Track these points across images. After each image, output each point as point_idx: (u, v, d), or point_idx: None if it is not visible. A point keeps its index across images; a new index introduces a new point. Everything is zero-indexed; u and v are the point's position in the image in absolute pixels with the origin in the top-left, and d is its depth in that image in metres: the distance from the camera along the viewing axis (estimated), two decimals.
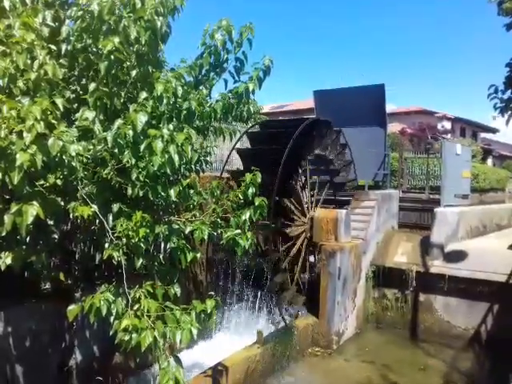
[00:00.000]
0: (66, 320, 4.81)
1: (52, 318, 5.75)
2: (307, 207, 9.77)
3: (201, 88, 5.54)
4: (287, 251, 9.45)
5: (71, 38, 4.73)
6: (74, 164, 3.77)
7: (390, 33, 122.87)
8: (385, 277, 10.08)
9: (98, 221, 4.24)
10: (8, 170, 3.41)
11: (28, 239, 4.12)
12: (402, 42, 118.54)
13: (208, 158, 5.90)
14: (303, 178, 10.11)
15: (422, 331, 9.68)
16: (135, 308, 4.00)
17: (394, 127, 24.20)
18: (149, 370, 7.07)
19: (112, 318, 3.94)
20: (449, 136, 26.48)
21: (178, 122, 4.84)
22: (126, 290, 4.07)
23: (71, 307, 4.18)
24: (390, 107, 17.39)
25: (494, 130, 36.39)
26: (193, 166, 5.27)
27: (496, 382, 7.64)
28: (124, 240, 4.09)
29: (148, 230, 4.11)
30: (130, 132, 4.00)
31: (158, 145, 4.01)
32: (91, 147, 4.17)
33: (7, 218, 3.59)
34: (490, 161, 28.94)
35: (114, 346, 3.89)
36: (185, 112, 4.89)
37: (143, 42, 4.55)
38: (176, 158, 4.08)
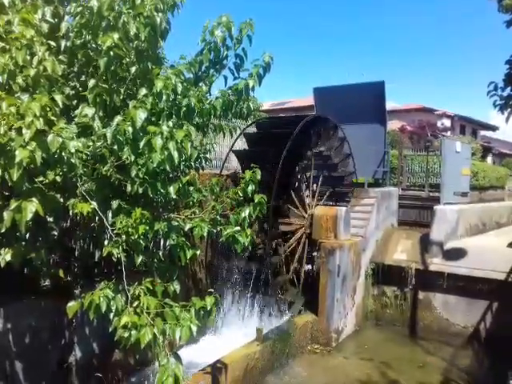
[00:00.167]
0: (65, 317, 4.81)
1: (51, 314, 5.75)
2: (308, 204, 9.78)
3: (200, 85, 5.53)
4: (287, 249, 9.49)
5: (70, 34, 4.73)
6: (73, 161, 3.77)
7: (389, 31, 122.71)
8: (384, 274, 10.09)
9: (97, 218, 4.24)
10: (7, 166, 3.41)
11: (27, 236, 4.12)
12: (401, 41, 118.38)
13: (207, 155, 5.89)
14: (303, 177, 10.14)
15: (421, 329, 9.69)
16: (135, 305, 3.99)
17: (393, 124, 24.18)
18: (148, 367, 7.08)
19: (111, 315, 3.94)
20: (448, 134, 26.47)
21: (178, 118, 4.83)
22: (126, 286, 4.07)
23: (71, 304, 4.18)
24: (390, 104, 17.33)
25: (493, 128, 36.36)
26: (192, 163, 5.27)
27: (495, 380, 7.65)
28: (123, 237, 4.09)
29: (147, 227, 4.10)
30: (130, 129, 3.99)
31: (158, 141, 4.00)
32: (91, 144, 4.16)
33: (7, 215, 3.59)
34: (489, 158, 28.95)
35: (114, 342, 3.88)
36: (184, 109, 4.87)
37: (143, 39, 4.55)
38: (175, 154, 4.07)
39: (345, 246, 8.87)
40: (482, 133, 36.15)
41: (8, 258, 4.04)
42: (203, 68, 5.62)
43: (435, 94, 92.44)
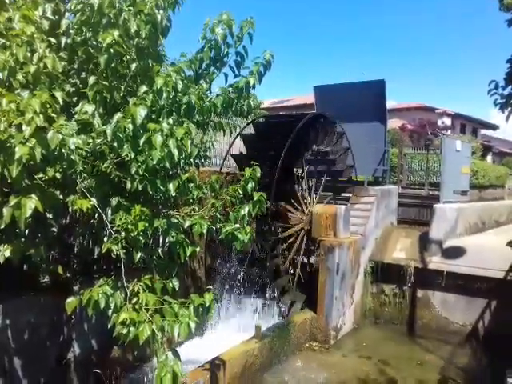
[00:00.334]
0: (64, 313, 4.82)
1: (50, 310, 5.76)
2: (307, 202, 9.80)
3: (201, 82, 5.53)
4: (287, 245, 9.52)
5: (71, 31, 4.72)
6: (73, 157, 3.77)
7: (389, 30, 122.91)
8: (383, 272, 10.10)
9: (96, 214, 4.24)
10: (7, 163, 3.41)
11: (27, 232, 4.12)
12: (401, 40, 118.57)
13: (207, 153, 5.90)
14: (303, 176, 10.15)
15: (419, 327, 9.71)
16: (133, 301, 4.00)
17: (394, 123, 24.18)
18: (147, 364, 7.10)
19: (110, 312, 3.95)
20: (449, 132, 26.47)
21: (178, 116, 4.84)
22: (125, 283, 4.07)
23: (69, 300, 4.18)
24: (390, 103, 17.35)
25: (494, 127, 36.38)
26: (192, 161, 5.27)
27: (493, 378, 7.67)
28: (123, 234, 4.09)
29: (147, 224, 4.11)
30: (130, 126, 3.99)
31: (158, 139, 4.01)
32: (90, 141, 4.17)
33: (6, 211, 3.59)
34: (489, 157, 28.98)
35: (113, 339, 3.89)
36: (185, 106, 4.87)
37: (143, 36, 4.54)
38: (175, 152, 4.08)
39: (344, 244, 8.89)
40: (483, 132, 36.19)
41: (7, 254, 4.04)
42: (204, 65, 5.62)
43: (436, 93, 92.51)
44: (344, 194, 11.32)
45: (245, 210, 4.93)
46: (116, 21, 4.42)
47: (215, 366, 6.12)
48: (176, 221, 4.64)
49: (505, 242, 9.43)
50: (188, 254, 4.61)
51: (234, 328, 8.45)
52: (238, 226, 4.84)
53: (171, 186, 4.41)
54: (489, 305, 9.03)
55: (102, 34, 4.26)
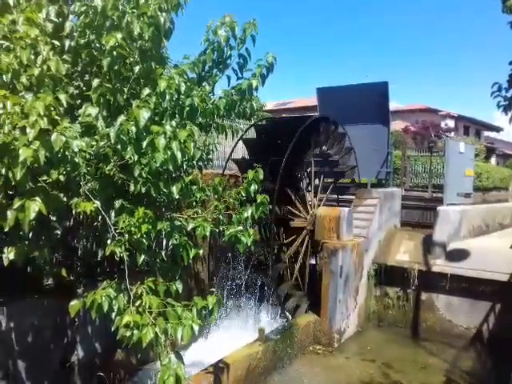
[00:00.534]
0: (68, 316, 4.82)
1: (54, 313, 5.77)
2: (310, 205, 9.80)
3: (204, 84, 5.53)
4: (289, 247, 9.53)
5: (75, 33, 4.74)
6: (76, 160, 3.77)
7: (390, 30, 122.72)
8: (387, 275, 10.07)
9: (100, 217, 4.24)
10: (11, 165, 3.41)
11: (31, 235, 4.12)
12: (402, 40, 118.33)
13: (210, 155, 5.90)
14: (306, 179, 10.16)
15: (423, 330, 9.67)
16: (137, 304, 4.00)
17: (397, 125, 24.15)
18: (151, 367, 7.09)
19: (114, 314, 3.94)
20: (452, 134, 26.43)
21: (181, 118, 4.84)
22: (128, 286, 4.07)
23: (73, 303, 4.18)
24: (393, 105, 17.31)
25: (497, 129, 36.30)
26: (195, 163, 5.27)
27: (497, 381, 7.63)
28: (126, 236, 4.09)
29: (150, 227, 4.11)
30: (133, 128, 3.99)
31: (161, 141, 4.00)
32: (94, 143, 4.17)
33: (10, 214, 3.60)
34: (493, 159, 28.86)
35: (116, 342, 3.89)
36: (187, 109, 4.87)
37: (146, 38, 4.55)
38: (179, 154, 4.07)
39: (347, 247, 8.86)
40: (486, 134, 36.11)
41: (11, 256, 4.04)
42: (206, 68, 5.63)
43: (438, 95, 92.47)
44: (347, 197, 11.31)
45: (248, 213, 4.92)
46: (119, 23, 4.44)
47: (219, 369, 6.10)
48: (179, 223, 4.64)
49: (509, 245, 9.42)
50: (191, 257, 4.61)
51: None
52: (241, 228, 4.83)
53: (174, 189, 4.41)
54: (493, 308, 8.99)
55: (106, 37, 4.27)
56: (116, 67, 4.43)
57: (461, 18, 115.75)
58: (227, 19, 5.37)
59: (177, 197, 4.54)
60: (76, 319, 5.94)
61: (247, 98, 5.65)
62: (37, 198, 3.62)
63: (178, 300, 4.21)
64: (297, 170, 9.74)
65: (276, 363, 7.39)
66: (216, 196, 5.27)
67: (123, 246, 4.08)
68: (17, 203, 3.57)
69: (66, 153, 3.65)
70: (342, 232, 9.02)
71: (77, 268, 6.26)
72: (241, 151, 10.86)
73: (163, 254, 4.90)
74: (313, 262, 10.22)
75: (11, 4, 4.40)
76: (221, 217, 4.98)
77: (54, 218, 4.56)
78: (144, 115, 4.01)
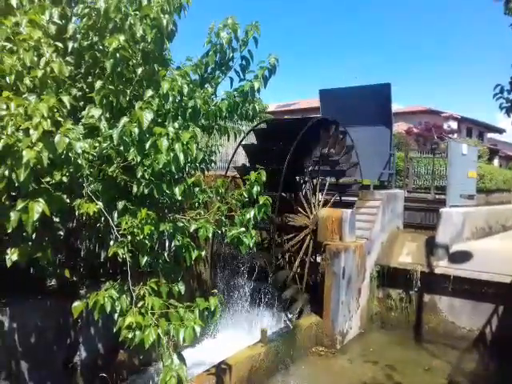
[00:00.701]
0: (71, 317, 4.83)
1: (57, 314, 5.78)
2: (313, 206, 9.80)
3: (206, 86, 5.56)
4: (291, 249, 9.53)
5: (78, 35, 4.76)
6: (79, 161, 3.79)
7: (390, 31, 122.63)
8: (389, 277, 10.05)
9: (103, 218, 4.26)
10: (14, 166, 3.43)
11: (34, 236, 4.13)
12: (402, 41, 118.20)
13: (213, 157, 5.91)
14: (308, 180, 10.15)
15: (426, 332, 9.63)
16: (139, 305, 4.01)
17: (399, 127, 24.16)
18: (153, 367, 7.10)
19: (116, 315, 3.96)
20: (455, 136, 26.39)
21: (184, 120, 4.85)
22: (131, 287, 4.08)
23: (76, 304, 4.20)
24: (395, 106, 17.32)
25: (500, 131, 36.25)
26: (198, 165, 5.28)
27: (501, 383, 7.61)
28: (129, 237, 4.10)
29: (153, 228, 4.12)
30: (136, 130, 4.01)
31: (164, 143, 4.02)
32: (97, 145, 4.19)
33: (13, 215, 3.61)
34: (496, 161, 28.79)
35: (119, 342, 3.90)
36: (190, 110, 4.89)
37: (149, 40, 4.57)
38: (181, 156, 4.09)
39: (350, 249, 8.85)
40: (489, 135, 36.06)
41: (15, 257, 4.06)
42: (209, 69, 5.65)
43: (441, 96, 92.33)
44: (350, 198, 11.31)
45: (250, 214, 4.93)
46: (122, 25, 4.45)
47: (221, 370, 6.10)
48: (182, 225, 4.65)
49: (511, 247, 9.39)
50: (193, 258, 4.62)
51: None
52: (243, 229, 4.84)
53: (177, 190, 4.42)
54: (496, 310, 8.95)
55: (108, 39, 4.28)
56: (119, 69, 4.44)
57: (461, 17, 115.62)
58: (229, 21, 5.38)
59: (179, 198, 4.56)
60: (79, 320, 5.95)
61: (249, 100, 5.67)
62: (40, 200, 3.63)
63: (180, 301, 4.22)
64: (298, 173, 9.75)
65: (278, 364, 7.38)
66: (218, 197, 5.28)
67: (126, 247, 4.09)
68: (20, 204, 3.58)
69: (69, 154, 3.67)
70: (344, 233, 9.01)
71: (80, 269, 6.27)
72: (243, 153, 10.85)
73: (166, 255, 4.92)
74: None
75: (14, 6, 4.42)
76: (223, 218, 4.99)
77: (57, 219, 4.58)
78: (147, 117, 4.03)
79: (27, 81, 4.00)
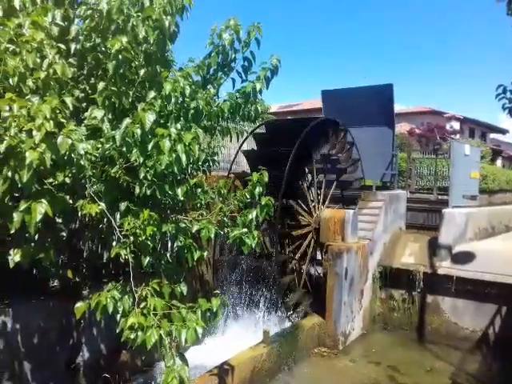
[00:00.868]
0: (73, 317, 4.85)
1: (60, 315, 5.79)
2: (314, 206, 9.79)
3: (208, 87, 5.56)
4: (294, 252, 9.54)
5: (80, 37, 4.78)
6: (82, 162, 3.80)
7: (391, 31, 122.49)
8: (392, 277, 10.04)
9: (105, 219, 4.27)
10: (17, 168, 3.44)
11: (37, 237, 4.15)
12: (403, 41, 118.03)
13: (215, 158, 5.91)
14: (310, 178, 10.15)
15: (429, 332, 9.62)
16: (142, 306, 4.02)
17: (402, 127, 24.12)
18: (156, 368, 7.11)
19: (118, 316, 3.97)
20: (457, 136, 26.33)
21: (186, 121, 4.86)
22: (133, 288, 4.09)
23: (78, 305, 4.21)
24: (398, 107, 17.29)
25: (503, 131, 36.15)
26: (200, 166, 5.29)
27: None
28: (131, 238, 4.11)
29: (155, 229, 4.13)
30: (138, 131, 4.02)
31: (166, 144, 4.03)
32: (100, 146, 4.20)
33: (16, 216, 3.62)
34: (499, 162, 28.71)
35: (121, 343, 3.91)
36: (192, 111, 4.90)
37: (151, 42, 4.58)
38: (183, 157, 4.09)
39: (352, 249, 8.85)
40: (492, 136, 35.97)
41: (17, 258, 4.07)
42: (211, 71, 5.65)
43: (443, 97, 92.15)
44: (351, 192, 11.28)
45: (252, 215, 4.93)
46: (124, 27, 4.47)
47: (223, 371, 6.10)
48: (184, 225, 4.66)
49: None
50: (196, 259, 4.63)
51: None
52: (245, 230, 4.84)
53: (179, 191, 4.43)
54: (499, 310, 8.94)
55: (111, 40, 4.30)
56: (121, 70, 4.45)
57: (462, 17, 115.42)
58: (232, 22, 5.39)
59: (182, 199, 4.57)
60: (81, 321, 5.96)
61: (252, 101, 5.67)
62: (43, 201, 3.64)
63: (182, 302, 4.23)
64: (301, 172, 9.75)
65: (281, 365, 7.38)
66: (221, 198, 5.28)
67: (128, 248, 4.10)
68: (23, 205, 3.60)
69: (72, 155, 3.68)
70: (347, 234, 9.01)
71: (82, 270, 6.29)
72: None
73: (168, 255, 4.92)
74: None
75: (17, 8, 4.43)
76: (225, 219, 5.00)
77: (59, 220, 4.59)
78: (149, 118, 4.04)
79: (30, 82, 4.01)
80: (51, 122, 3.51)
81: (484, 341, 9.02)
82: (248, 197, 5.07)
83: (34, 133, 3.43)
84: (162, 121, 4.59)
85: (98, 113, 4.29)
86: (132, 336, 3.77)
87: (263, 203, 4.94)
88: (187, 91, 4.64)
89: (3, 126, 3.49)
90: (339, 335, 8.63)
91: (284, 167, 8.11)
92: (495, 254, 9.44)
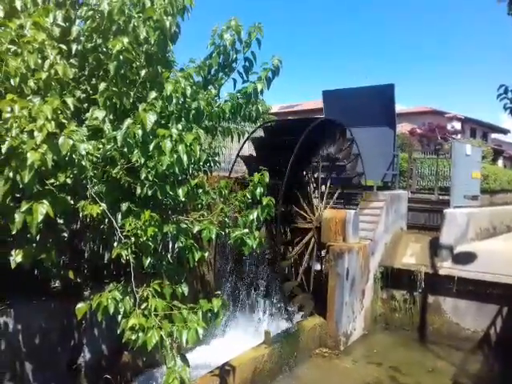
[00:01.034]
0: (74, 318, 4.85)
1: (61, 315, 5.79)
2: (316, 207, 9.80)
3: (210, 88, 5.56)
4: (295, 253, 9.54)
5: (81, 37, 4.78)
6: (83, 163, 3.80)
7: (391, 31, 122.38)
8: (393, 278, 10.02)
9: (106, 220, 4.27)
10: (19, 168, 3.45)
11: (38, 237, 4.15)
12: (404, 42, 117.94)
13: (216, 158, 5.91)
14: (312, 180, 10.15)
15: (430, 333, 9.61)
16: (143, 307, 4.02)
17: (403, 127, 24.09)
18: (157, 369, 7.11)
19: (120, 317, 3.96)
20: (459, 136, 26.31)
21: (187, 121, 4.86)
22: (134, 288, 4.09)
23: (80, 305, 4.21)
24: (399, 107, 17.25)
25: (504, 131, 36.11)
26: (201, 166, 5.29)
27: None
28: (132, 239, 4.11)
29: (156, 229, 4.13)
30: (140, 131, 4.02)
31: (167, 144, 4.03)
32: (101, 146, 4.20)
33: (18, 217, 3.63)
34: (500, 162, 28.69)
35: (123, 344, 3.91)
36: (193, 112, 4.90)
37: (152, 42, 4.59)
38: (185, 157, 4.09)
39: (354, 250, 8.84)
40: (493, 136, 35.93)
41: (19, 259, 4.07)
42: (212, 71, 5.65)
43: (444, 97, 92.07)
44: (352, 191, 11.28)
45: (253, 215, 4.93)
46: (125, 27, 4.47)
47: (225, 371, 6.10)
48: (185, 226, 4.66)
49: None
50: (197, 259, 4.63)
51: None
52: (246, 231, 4.84)
53: (180, 192, 4.43)
54: (500, 311, 8.92)
55: (112, 41, 4.30)
56: (122, 71, 4.46)
57: (462, 18, 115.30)
58: (233, 23, 5.39)
59: (183, 200, 4.56)
60: (83, 321, 5.96)
61: (253, 101, 5.67)
62: (44, 201, 3.64)
63: (183, 303, 4.23)
64: (302, 172, 9.75)
65: (282, 366, 7.37)
66: (222, 199, 5.28)
67: (129, 249, 4.10)
68: (24, 206, 3.60)
69: (74, 156, 3.68)
70: (348, 234, 9.00)
71: (84, 270, 6.29)
72: (246, 154, 10.86)
73: (169, 256, 4.92)
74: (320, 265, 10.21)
75: (19, 8, 4.44)
76: (226, 219, 4.99)
77: (61, 221, 4.59)
78: (150, 118, 4.04)
79: (31, 83, 4.02)
80: (52, 122, 3.52)
81: (486, 341, 9.00)
82: (249, 197, 5.07)
83: (36, 133, 3.44)
84: (163, 121, 4.59)
85: (100, 113, 4.29)
86: (133, 337, 3.77)
87: (264, 203, 4.93)
88: (188, 92, 4.64)
89: (5, 126, 3.49)
90: (341, 336, 8.62)
91: (285, 169, 8.12)
92: (497, 255, 9.43)
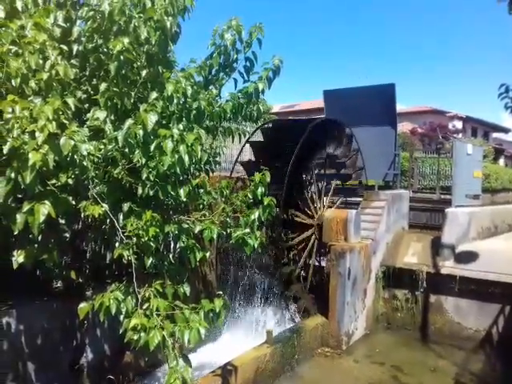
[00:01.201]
0: (77, 318, 4.84)
1: (63, 316, 5.80)
2: (317, 207, 9.79)
3: (210, 88, 5.56)
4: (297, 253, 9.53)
5: (82, 38, 4.79)
6: (85, 163, 3.81)
7: (391, 32, 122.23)
8: (395, 277, 10.00)
9: (108, 220, 4.27)
10: (20, 169, 3.45)
11: (40, 238, 4.16)
12: (404, 42, 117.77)
13: (217, 158, 5.91)
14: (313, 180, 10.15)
15: (432, 332, 9.59)
16: (145, 307, 4.02)
17: (404, 127, 24.09)
18: (159, 369, 7.11)
19: (122, 317, 3.97)
20: (460, 136, 26.28)
21: (188, 121, 4.86)
22: (136, 288, 4.09)
23: (82, 305, 4.21)
24: (400, 107, 17.25)
25: (505, 130, 36.07)
26: (202, 166, 5.29)
27: None
28: (134, 239, 4.11)
29: (158, 230, 4.13)
30: (141, 132, 4.02)
31: (168, 145, 4.03)
32: (102, 147, 4.21)
33: (19, 217, 3.63)
34: (501, 161, 28.64)
35: (125, 344, 3.91)
36: (194, 112, 4.90)
37: (153, 43, 4.59)
38: (186, 157, 4.10)
39: (355, 249, 8.83)
40: (494, 135, 35.88)
41: (21, 259, 4.08)
42: (213, 71, 5.66)
43: (443, 96, 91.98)
44: (354, 198, 11.27)
45: (255, 215, 4.92)
46: (126, 28, 4.47)
47: (227, 371, 6.10)
48: (187, 226, 4.66)
49: None
50: (198, 259, 4.63)
51: None
52: (248, 230, 4.84)
53: (182, 192, 4.44)
54: (503, 310, 8.90)
55: (113, 41, 4.31)
56: (123, 71, 4.46)
57: (462, 17, 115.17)
58: (233, 23, 5.40)
59: (184, 200, 4.57)
60: (85, 322, 5.96)
61: (254, 101, 5.68)
62: (46, 202, 3.65)
63: (185, 303, 4.23)
64: (303, 172, 9.75)
65: (284, 366, 7.37)
66: (223, 199, 5.28)
67: (131, 249, 4.11)
68: (26, 206, 3.60)
69: (75, 156, 3.69)
70: (349, 234, 8.99)
71: (85, 271, 6.29)
72: (248, 154, 10.87)
73: (171, 256, 4.93)
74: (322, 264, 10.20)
75: (20, 9, 4.44)
76: (228, 219, 4.99)
77: (62, 221, 4.60)
78: (151, 119, 4.04)
79: (32, 84, 4.02)
80: (54, 123, 3.52)
81: (488, 340, 8.98)
82: (250, 197, 5.07)
83: (37, 134, 3.44)
84: (164, 121, 4.60)
85: (101, 114, 4.30)
86: (135, 337, 3.77)
87: (265, 203, 4.93)
88: (189, 92, 4.64)
89: (6, 127, 3.50)
90: (342, 335, 8.61)
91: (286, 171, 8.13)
92: (498, 254, 9.41)
